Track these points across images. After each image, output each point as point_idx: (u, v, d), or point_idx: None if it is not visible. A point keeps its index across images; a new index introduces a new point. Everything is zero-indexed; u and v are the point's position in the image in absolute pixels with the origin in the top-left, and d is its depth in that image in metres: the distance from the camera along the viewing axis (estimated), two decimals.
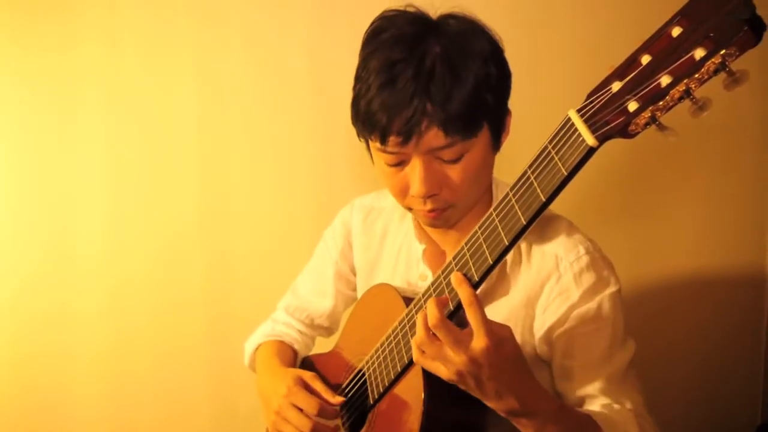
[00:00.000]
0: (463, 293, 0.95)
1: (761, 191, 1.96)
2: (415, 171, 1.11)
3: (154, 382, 2.08)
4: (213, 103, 1.99)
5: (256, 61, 1.98)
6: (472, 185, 1.15)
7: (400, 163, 1.13)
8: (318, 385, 1.26)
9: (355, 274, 1.48)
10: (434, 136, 1.07)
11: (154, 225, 2.03)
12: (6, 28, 1.94)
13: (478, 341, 0.91)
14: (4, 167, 1.99)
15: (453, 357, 0.93)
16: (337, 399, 1.24)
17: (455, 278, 0.98)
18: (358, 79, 1.15)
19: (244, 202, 2.03)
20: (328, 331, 1.58)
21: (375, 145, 1.13)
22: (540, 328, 1.17)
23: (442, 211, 1.16)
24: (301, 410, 1.23)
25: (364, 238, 1.44)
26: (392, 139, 1.08)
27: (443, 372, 0.96)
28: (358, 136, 1.20)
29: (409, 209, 1.20)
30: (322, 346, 1.55)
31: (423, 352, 0.98)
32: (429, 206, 1.14)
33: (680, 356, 2.00)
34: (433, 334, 0.96)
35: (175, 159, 2.01)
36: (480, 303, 0.94)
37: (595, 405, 1.11)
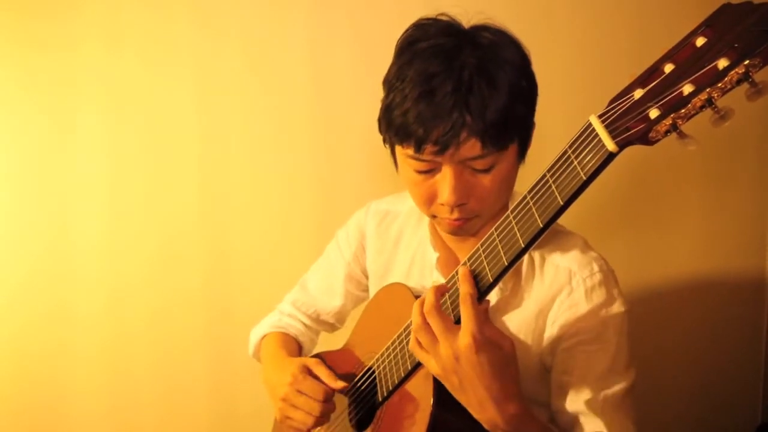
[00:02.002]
0: (462, 288, 0.96)
1: (761, 195, 1.98)
2: (445, 180, 1.11)
3: (153, 382, 2.08)
4: (213, 102, 1.99)
5: (256, 61, 1.98)
6: (499, 196, 1.16)
7: (430, 171, 1.13)
8: (321, 370, 1.28)
9: (367, 277, 1.49)
10: (471, 147, 1.07)
11: (154, 225, 2.03)
12: (6, 28, 1.93)
13: (463, 337, 0.93)
14: (4, 167, 1.98)
15: (440, 349, 0.95)
16: (339, 384, 1.26)
17: (462, 272, 0.99)
18: (391, 87, 1.14)
19: (244, 202, 2.03)
20: (333, 327, 1.60)
21: (407, 152, 1.12)
22: (548, 339, 1.18)
23: (467, 221, 1.16)
24: (308, 396, 1.25)
25: (378, 242, 1.45)
26: (428, 149, 1.08)
27: (431, 366, 0.99)
28: (385, 142, 1.21)
29: (433, 217, 1.20)
30: (329, 341, 1.56)
31: (418, 342, 1.00)
32: (455, 215, 1.14)
33: (681, 356, 2.01)
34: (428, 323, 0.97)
35: (175, 159, 2.01)
36: (474, 302, 0.94)
37: (587, 427, 1.11)
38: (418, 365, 1.14)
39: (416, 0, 1.86)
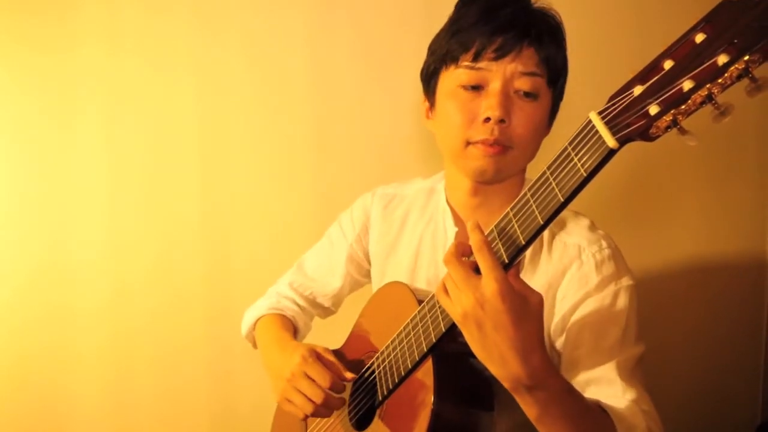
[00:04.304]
0: (473, 238, 0.92)
1: (761, 191, 1.97)
2: (493, 94, 1.15)
3: (154, 382, 2.08)
4: (213, 102, 2.00)
5: (256, 61, 1.98)
6: (534, 134, 1.20)
7: (478, 88, 1.17)
8: (331, 357, 1.28)
9: (368, 261, 1.50)
10: (528, 58, 1.15)
11: (154, 225, 2.03)
12: (6, 28, 1.94)
13: (486, 284, 0.89)
14: (4, 167, 1.98)
15: (461, 296, 0.91)
16: (350, 375, 1.25)
17: (470, 225, 0.95)
18: (451, 23, 1.22)
19: (243, 202, 2.03)
20: (327, 311, 1.60)
21: (462, 65, 1.17)
22: (558, 314, 1.17)
23: (504, 150, 1.17)
24: (313, 381, 1.24)
25: (383, 225, 1.45)
26: (488, 55, 1.14)
27: (452, 311, 0.94)
28: (430, 79, 1.27)
29: (467, 145, 1.20)
30: (331, 340, 1.56)
31: (445, 289, 0.96)
32: (495, 134, 1.15)
33: (680, 356, 2.01)
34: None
35: (175, 158, 2.02)
36: (490, 249, 0.91)
37: (602, 394, 1.08)
38: (418, 364, 1.14)
39: (416, 0, 1.89)
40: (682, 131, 0.75)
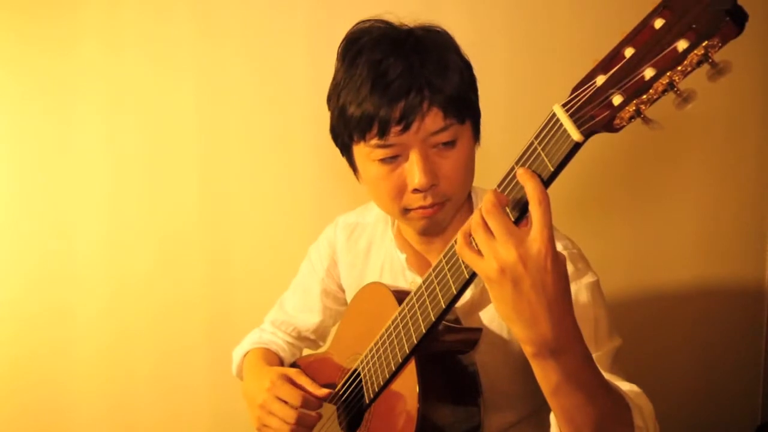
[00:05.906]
0: (533, 188, 0.82)
1: (762, 196, 1.96)
2: (414, 163, 1.12)
3: (154, 382, 2.08)
4: (213, 102, 1.99)
5: (256, 61, 1.98)
6: (465, 175, 1.17)
7: (396, 158, 1.14)
8: (303, 380, 1.27)
9: (343, 291, 1.50)
10: (434, 118, 1.10)
11: (154, 225, 2.03)
12: (6, 28, 1.94)
13: (536, 242, 0.81)
14: (4, 167, 1.99)
15: (500, 250, 0.82)
16: (323, 391, 1.25)
17: (521, 172, 0.84)
18: (340, 89, 1.17)
19: (244, 202, 2.03)
20: (315, 344, 1.60)
21: (371, 143, 1.13)
22: None
23: (441, 206, 1.16)
24: (285, 402, 1.24)
25: (349, 256, 1.45)
26: (393, 129, 1.10)
27: (483, 267, 0.85)
28: (343, 151, 1.24)
29: (405, 212, 1.19)
30: None
31: (469, 240, 0.88)
32: (429, 200, 1.14)
33: (681, 356, 2.00)
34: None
35: (176, 158, 2.01)
36: (549, 204, 0.82)
37: None
38: (402, 365, 1.12)
39: (415, 0, 1.87)
40: (646, 120, 0.73)
